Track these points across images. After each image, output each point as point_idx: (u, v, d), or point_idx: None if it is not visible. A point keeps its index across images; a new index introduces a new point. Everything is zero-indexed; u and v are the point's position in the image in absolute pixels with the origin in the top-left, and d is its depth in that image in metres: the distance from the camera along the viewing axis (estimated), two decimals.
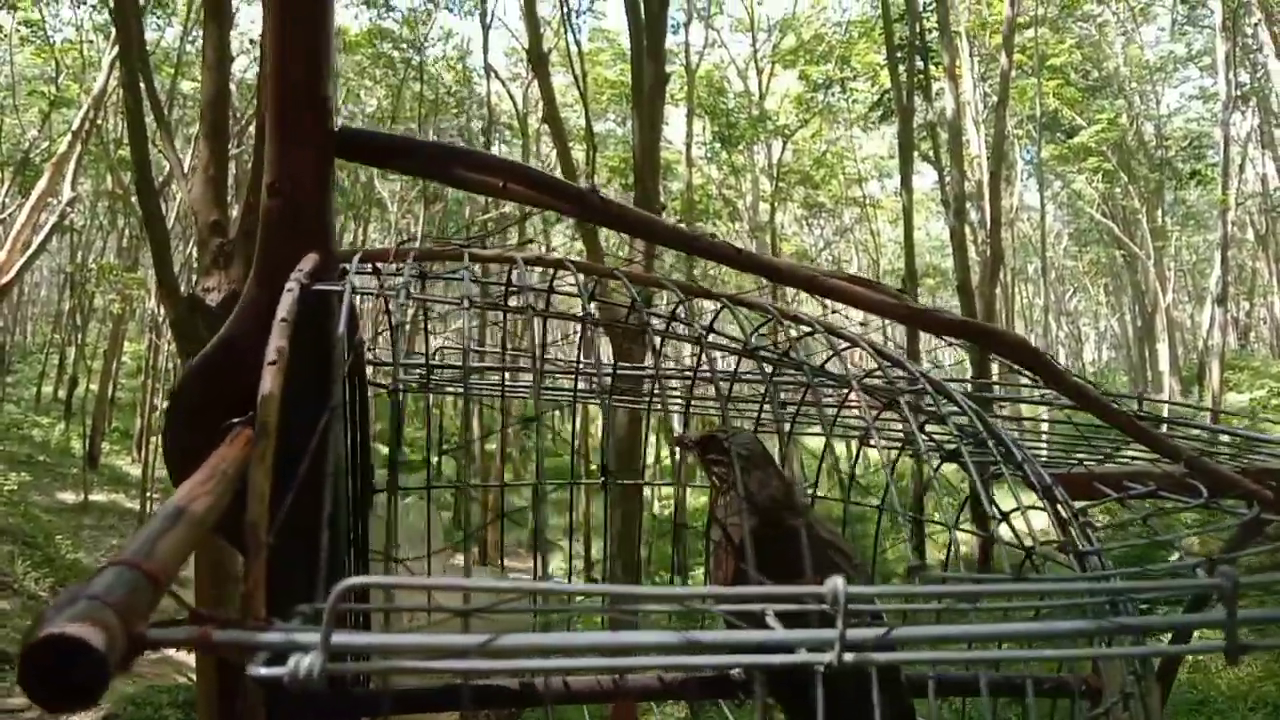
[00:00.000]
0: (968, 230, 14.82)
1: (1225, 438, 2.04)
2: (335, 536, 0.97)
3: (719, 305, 1.18)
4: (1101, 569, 0.90)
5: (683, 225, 1.12)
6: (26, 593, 11.14)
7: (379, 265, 1.23)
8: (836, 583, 0.49)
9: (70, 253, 23.45)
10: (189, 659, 9.53)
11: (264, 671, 0.46)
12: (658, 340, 1.18)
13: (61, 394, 23.20)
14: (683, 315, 1.18)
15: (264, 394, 0.72)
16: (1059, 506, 0.98)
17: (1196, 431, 1.83)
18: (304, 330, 0.84)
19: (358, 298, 1.08)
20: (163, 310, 9.33)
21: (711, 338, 1.14)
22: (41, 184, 14.92)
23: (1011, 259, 25.92)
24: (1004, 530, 1.08)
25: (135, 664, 0.47)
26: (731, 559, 1.14)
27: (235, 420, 0.90)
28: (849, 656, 0.49)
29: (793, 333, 1.20)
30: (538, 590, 0.57)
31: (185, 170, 7.84)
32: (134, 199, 11.22)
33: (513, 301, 1.34)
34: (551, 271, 1.33)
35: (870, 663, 0.50)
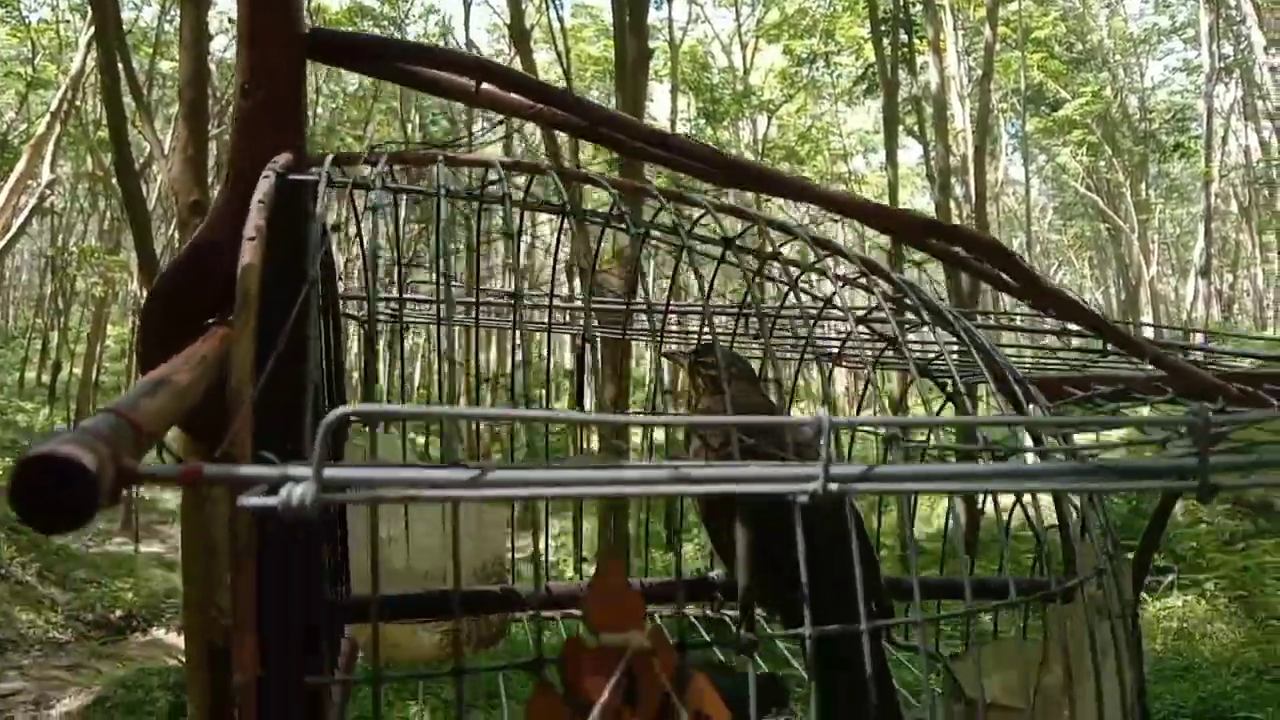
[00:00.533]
0: (953, 205, 14.83)
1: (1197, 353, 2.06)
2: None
3: (701, 211, 1.17)
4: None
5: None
6: (13, 578, 11.10)
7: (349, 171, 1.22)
8: (821, 412, 0.50)
9: (51, 236, 23.27)
10: (178, 641, 9.55)
11: (257, 501, 0.46)
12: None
13: (45, 379, 23.06)
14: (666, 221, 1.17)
15: (244, 265, 0.72)
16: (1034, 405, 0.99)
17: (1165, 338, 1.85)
18: (277, 221, 0.84)
19: (329, 207, 1.08)
20: (145, 292, 9.29)
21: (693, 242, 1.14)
22: (20, 166, 14.77)
23: (996, 233, 25.95)
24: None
25: (122, 494, 0.47)
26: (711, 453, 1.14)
27: (212, 320, 0.89)
28: (833, 486, 0.50)
29: (775, 238, 1.21)
30: (533, 417, 0.56)
31: (165, 151, 7.77)
32: (114, 180, 11.13)
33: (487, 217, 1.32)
34: (528, 177, 1.32)
35: (853, 492, 0.51)
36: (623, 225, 1.07)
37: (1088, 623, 0.86)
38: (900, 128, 15.77)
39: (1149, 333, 21.74)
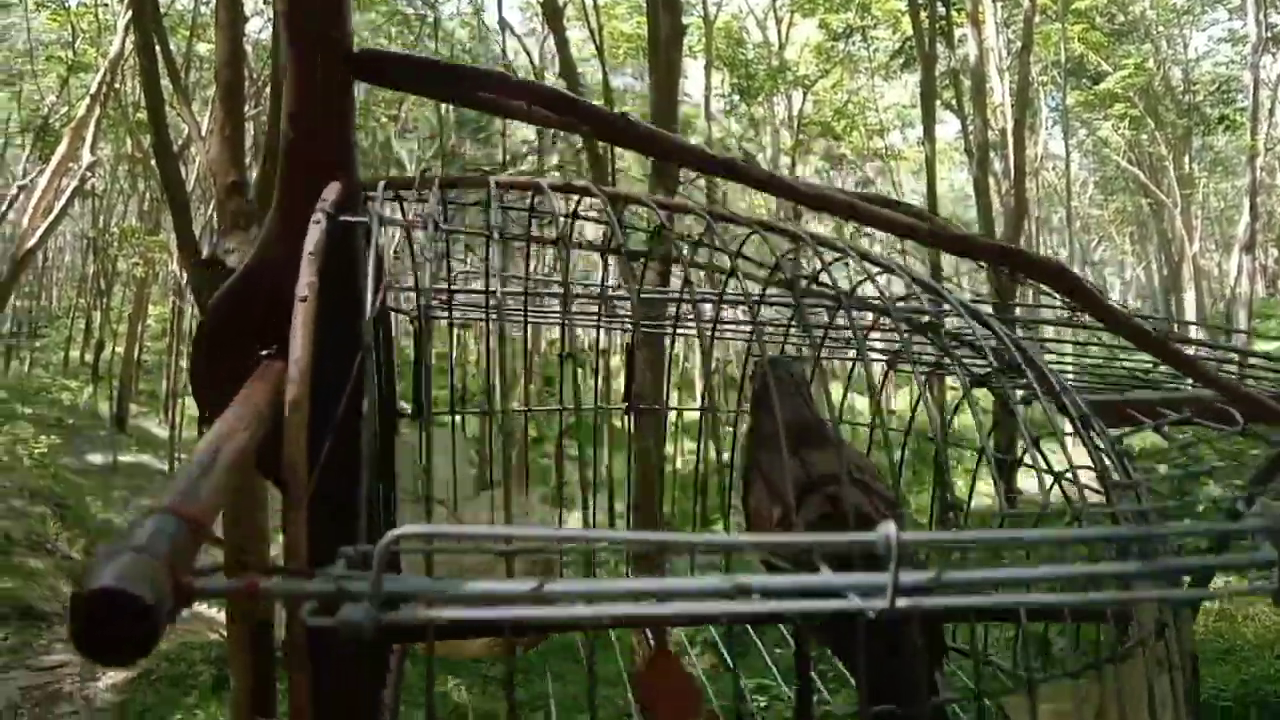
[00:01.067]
0: (991, 180, 14.64)
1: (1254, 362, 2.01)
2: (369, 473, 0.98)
3: (748, 231, 1.16)
4: (1139, 502, 0.89)
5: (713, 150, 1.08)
6: (60, 553, 11.32)
7: (403, 195, 1.21)
8: (889, 529, 0.48)
9: (92, 217, 23.54)
10: (219, 616, 9.69)
11: (316, 622, 0.46)
12: (686, 264, 1.16)
13: (88, 358, 23.41)
14: (710, 241, 1.16)
15: (296, 337, 0.72)
16: (1094, 435, 0.96)
17: (1214, 353, 1.80)
18: (330, 261, 0.83)
19: (382, 228, 1.07)
20: (184, 273, 9.38)
21: (740, 263, 1.13)
22: (61, 149, 14.96)
23: (1036, 209, 25.61)
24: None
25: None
26: (768, 503, 1.13)
27: (265, 352, 0.89)
28: (902, 602, 0.48)
29: (826, 257, 1.19)
30: (585, 537, 0.56)
31: (202, 132, 7.83)
32: (153, 162, 11.23)
33: (536, 230, 1.32)
34: (576, 198, 1.31)
35: (922, 609, 0.49)
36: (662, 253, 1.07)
37: (1147, 677, 0.83)
38: (938, 102, 15.57)
39: (1192, 316, 21.30)
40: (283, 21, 0.94)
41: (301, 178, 0.95)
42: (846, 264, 1.17)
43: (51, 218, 14.60)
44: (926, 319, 1.11)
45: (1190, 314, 23.41)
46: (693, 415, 1.55)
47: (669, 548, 0.53)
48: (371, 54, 0.98)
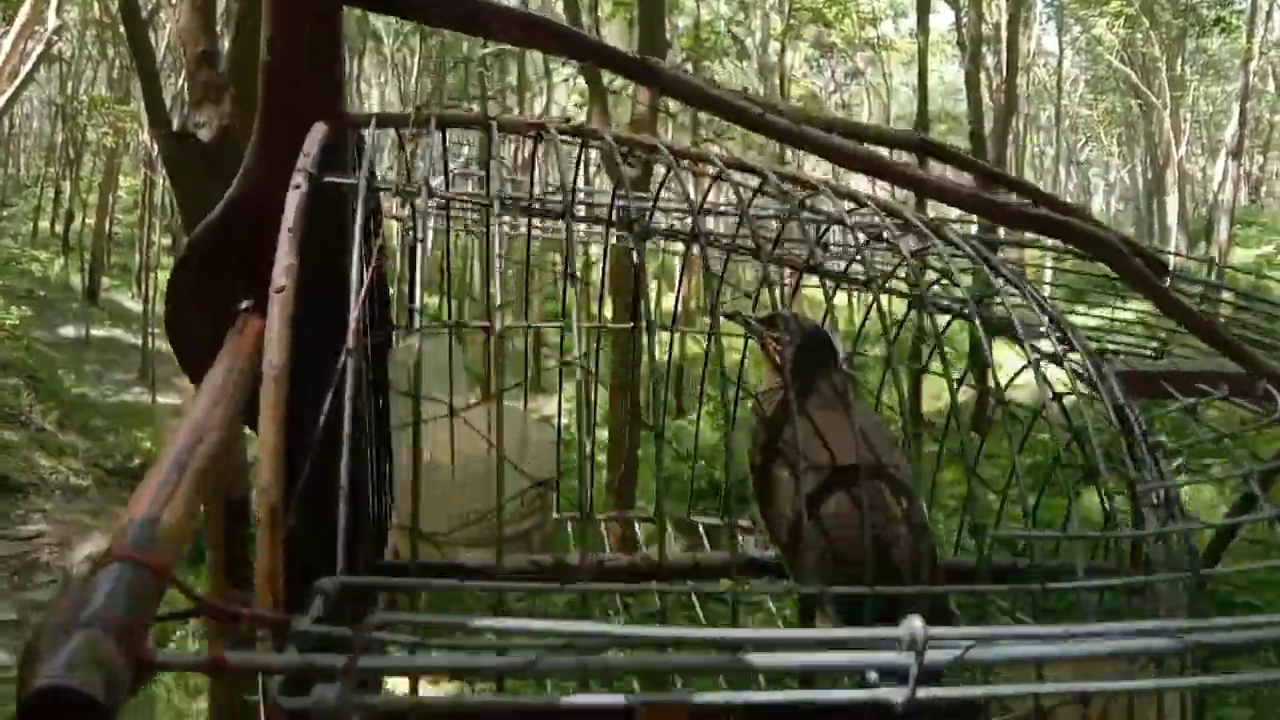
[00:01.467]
0: (983, 75, 14.40)
1: (1226, 294, 1.97)
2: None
3: (716, 171, 1.11)
4: (1168, 509, 0.86)
5: (740, 94, 1.01)
6: (34, 425, 11.31)
7: (400, 131, 1.12)
8: (914, 625, 0.46)
9: (60, 83, 22.83)
10: None
11: (288, 703, 0.44)
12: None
13: (58, 229, 23.03)
14: (677, 188, 1.11)
15: (272, 336, 0.65)
16: (1126, 410, 0.92)
17: (1199, 288, 1.75)
18: (315, 218, 0.77)
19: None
20: (155, 145, 9.14)
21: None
22: (24, 11, 14.39)
23: (1025, 106, 25.30)
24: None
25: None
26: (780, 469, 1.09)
27: (244, 304, 0.84)
28: (923, 694, 0.47)
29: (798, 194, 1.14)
30: (582, 632, 0.51)
31: None
32: (121, 28, 10.83)
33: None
34: (580, 143, 1.25)
35: (942, 699, 0.48)
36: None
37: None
38: None
39: (1174, 221, 21.24)
40: None
41: (281, 110, 0.87)
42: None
43: (17, 83, 14.12)
44: (886, 236, 1.06)
45: (1172, 218, 23.39)
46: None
47: (683, 643, 0.50)
48: None
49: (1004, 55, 13.96)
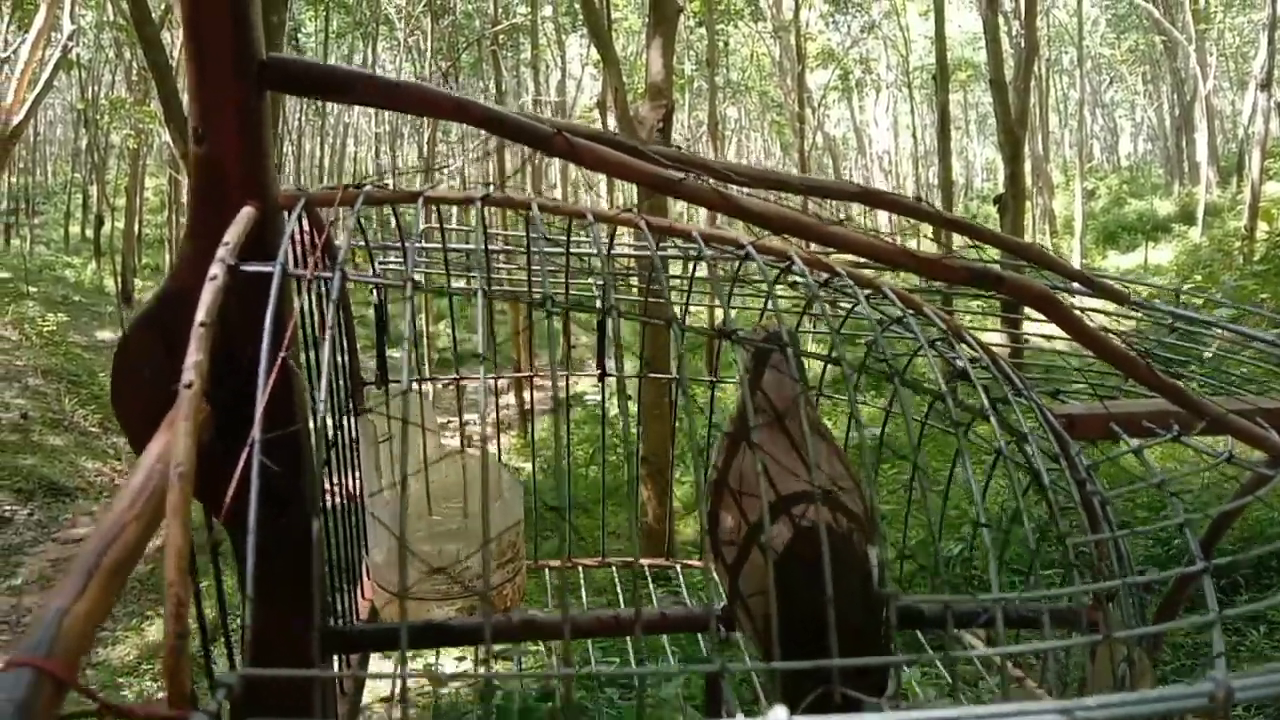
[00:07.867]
0: (1001, 20, 14.15)
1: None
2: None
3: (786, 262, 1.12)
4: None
5: (667, 151, 1.01)
6: (78, 429, 11.49)
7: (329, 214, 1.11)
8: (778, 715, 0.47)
9: (80, 89, 23.01)
10: None
11: None
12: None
13: (89, 233, 23.27)
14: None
15: (178, 435, 0.63)
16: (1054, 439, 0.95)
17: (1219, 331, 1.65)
18: (248, 295, 0.77)
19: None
20: (176, 143, 9.19)
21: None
22: (39, 17, 14.49)
23: (1046, 49, 24.88)
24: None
25: None
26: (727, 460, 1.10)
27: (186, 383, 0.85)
28: None
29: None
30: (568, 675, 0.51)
31: None
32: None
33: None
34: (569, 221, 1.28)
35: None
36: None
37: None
38: None
39: (1203, 157, 20.74)
40: (185, 31, 0.84)
41: (210, 198, 0.87)
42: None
43: (38, 90, 14.25)
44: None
45: (1201, 155, 22.93)
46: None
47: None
48: (281, 62, 0.88)
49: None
